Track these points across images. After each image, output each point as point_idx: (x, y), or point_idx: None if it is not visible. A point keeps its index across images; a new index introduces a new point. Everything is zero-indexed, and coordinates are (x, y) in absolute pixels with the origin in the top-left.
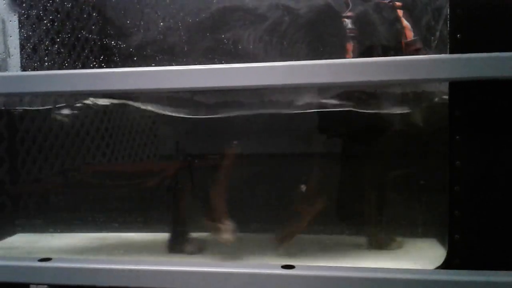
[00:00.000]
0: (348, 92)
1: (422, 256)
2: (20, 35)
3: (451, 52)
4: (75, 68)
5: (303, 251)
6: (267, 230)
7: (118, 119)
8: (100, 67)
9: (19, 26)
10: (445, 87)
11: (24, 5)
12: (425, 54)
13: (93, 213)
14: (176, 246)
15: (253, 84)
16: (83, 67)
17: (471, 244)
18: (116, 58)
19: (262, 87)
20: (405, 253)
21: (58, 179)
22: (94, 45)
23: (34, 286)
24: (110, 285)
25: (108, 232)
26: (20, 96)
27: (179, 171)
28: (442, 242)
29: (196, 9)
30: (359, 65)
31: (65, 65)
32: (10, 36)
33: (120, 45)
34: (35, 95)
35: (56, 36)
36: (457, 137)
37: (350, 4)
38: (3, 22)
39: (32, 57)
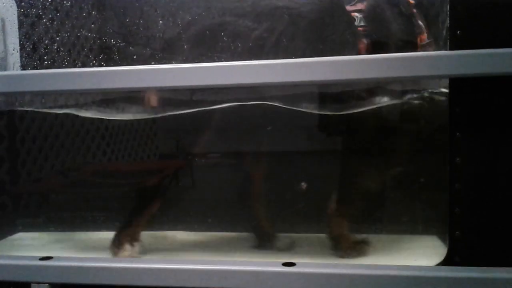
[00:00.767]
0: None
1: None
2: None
3: (451, 49)
4: None
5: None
6: None
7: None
8: None
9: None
10: None
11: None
12: None
13: (94, 212)
14: (266, 243)
15: (253, 82)
16: None
17: (471, 241)
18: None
19: (261, 84)
20: (406, 250)
21: (58, 178)
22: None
23: (35, 285)
24: (111, 284)
25: (108, 230)
26: (20, 95)
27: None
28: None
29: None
30: (359, 62)
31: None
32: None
33: None
34: (35, 94)
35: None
36: (458, 134)
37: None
38: (3, 21)
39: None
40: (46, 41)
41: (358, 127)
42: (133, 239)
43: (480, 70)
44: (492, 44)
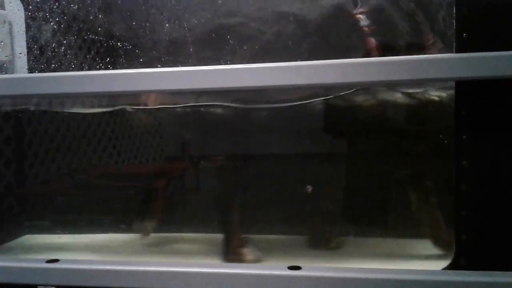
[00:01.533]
0: None
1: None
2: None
3: (457, 52)
4: None
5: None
6: None
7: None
8: None
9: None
10: None
11: None
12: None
13: (100, 214)
14: (319, 243)
15: (260, 84)
16: None
17: (478, 245)
18: None
19: (269, 87)
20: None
21: (65, 181)
22: None
23: (42, 287)
24: (117, 286)
25: (115, 233)
26: (27, 98)
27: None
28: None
29: None
30: (365, 65)
31: None
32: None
33: None
34: (42, 97)
35: None
36: (464, 136)
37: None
38: (10, 24)
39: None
40: (53, 44)
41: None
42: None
43: (486, 73)
44: (498, 47)
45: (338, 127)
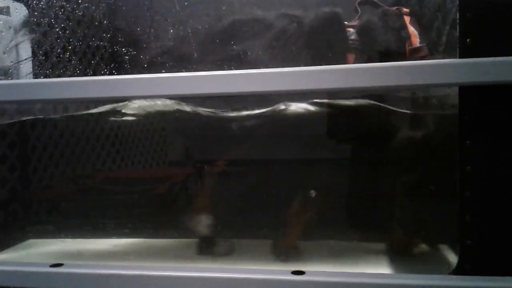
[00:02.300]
0: None
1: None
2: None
3: (460, 57)
4: None
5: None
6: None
7: None
8: None
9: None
10: None
11: None
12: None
13: (104, 219)
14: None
15: (262, 90)
16: None
17: (482, 250)
18: None
19: (270, 93)
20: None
21: (69, 185)
22: None
23: None
24: None
25: (118, 237)
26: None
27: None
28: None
29: None
30: (367, 70)
31: None
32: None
33: None
34: (46, 103)
35: None
36: (468, 142)
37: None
38: (15, 30)
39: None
40: (58, 50)
41: None
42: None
43: (490, 78)
44: (502, 52)
45: (341, 133)
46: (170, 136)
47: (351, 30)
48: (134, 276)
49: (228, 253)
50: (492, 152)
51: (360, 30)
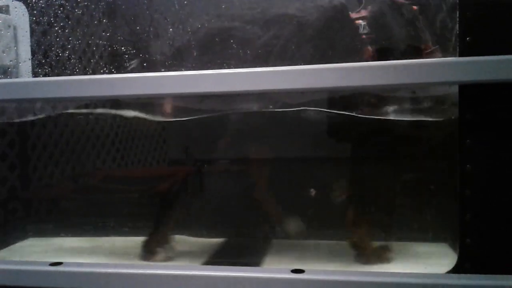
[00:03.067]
0: None
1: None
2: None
3: (460, 55)
4: None
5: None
6: None
7: None
8: None
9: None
10: None
11: None
12: None
13: (104, 218)
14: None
15: (266, 88)
16: None
17: (482, 248)
18: None
19: (274, 91)
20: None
21: (68, 184)
22: None
23: None
24: None
25: (118, 236)
26: (31, 103)
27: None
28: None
29: None
30: (368, 69)
31: None
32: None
33: None
34: (46, 101)
35: None
36: (468, 140)
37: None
38: (15, 29)
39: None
40: (58, 49)
41: None
42: (163, 243)
43: (490, 76)
44: (501, 50)
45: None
46: None
47: (361, 22)
48: (134, 275)
49: (298, 231)
50: (492, 151)
51: (372, 21)
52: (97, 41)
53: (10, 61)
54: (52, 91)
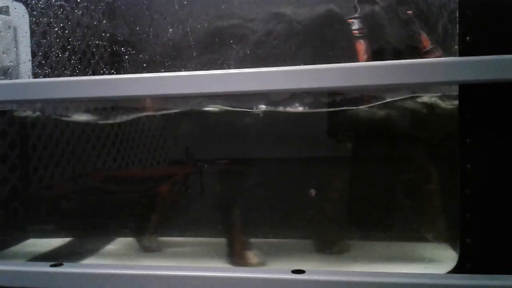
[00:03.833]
0: None
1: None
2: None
3: (461, 55)
4: None
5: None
6: None
7: None
8: None
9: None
10: None
11: None
12: None
13: (105, 219)
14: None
15: (264, 88)
16: None
17: (482, 248)
18: None
19: (273, 91)
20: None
21: (69, 185)
22: None
23: None
24: None
25: (119, 237)
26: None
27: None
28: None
29: None
30: (368, 69)
31: None
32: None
33: None
34: (46, 102)
35: None
36: (468, 140)
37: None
38: (15, 29)
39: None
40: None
41: None
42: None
43: (490, 76)
44: (502, 50)
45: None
46: None
47: (354, 21)
48: (134, 276)
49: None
50: (492, 150)
51: (365, 16)
52: (97, 42)
53: (10, 62)
54: (52, 92)
